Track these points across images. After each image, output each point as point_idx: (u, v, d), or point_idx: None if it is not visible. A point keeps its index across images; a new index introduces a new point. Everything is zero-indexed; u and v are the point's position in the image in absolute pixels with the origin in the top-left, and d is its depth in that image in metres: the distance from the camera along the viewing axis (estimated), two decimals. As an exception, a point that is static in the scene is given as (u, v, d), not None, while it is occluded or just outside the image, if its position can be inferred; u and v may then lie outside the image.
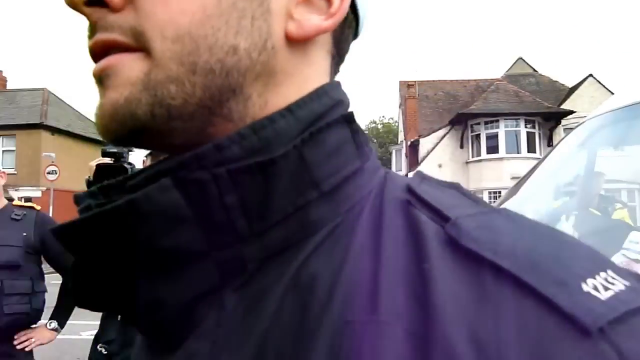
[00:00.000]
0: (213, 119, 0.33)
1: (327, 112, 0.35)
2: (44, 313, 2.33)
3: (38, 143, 19.06)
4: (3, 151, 19.03)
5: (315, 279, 0.30)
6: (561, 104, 18.54)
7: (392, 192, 0.34)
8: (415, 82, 21.86)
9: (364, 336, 0.26)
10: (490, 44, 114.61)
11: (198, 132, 0.33)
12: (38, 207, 2.41)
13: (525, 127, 17.16)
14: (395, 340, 0.25)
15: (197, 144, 0.32)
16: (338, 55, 0.40)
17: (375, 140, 43.19)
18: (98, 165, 2.05)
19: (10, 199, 2.44)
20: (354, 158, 0.35)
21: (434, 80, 22.69)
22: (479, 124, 17.65)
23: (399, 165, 22.97)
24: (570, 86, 20.63)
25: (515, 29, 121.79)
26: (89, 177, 2.13)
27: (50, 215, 6.06)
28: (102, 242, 0.31)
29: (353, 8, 0.38)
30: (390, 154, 24.87)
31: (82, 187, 1.69)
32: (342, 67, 0.42)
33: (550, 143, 16.86)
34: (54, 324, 2.37)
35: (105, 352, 2.19)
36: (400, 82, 24.09)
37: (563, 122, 17.01)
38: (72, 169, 17.10)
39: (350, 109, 0.37)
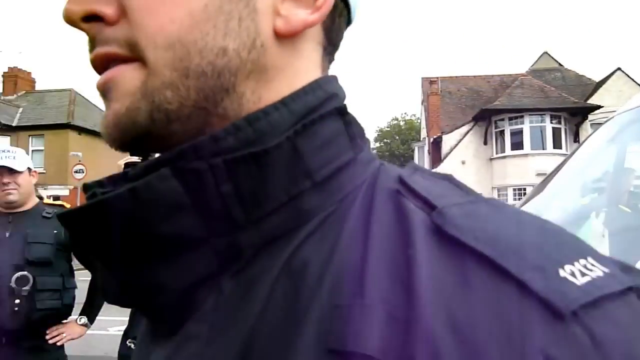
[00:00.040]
0: (210, 118, 0.35)
1: (320, 105, 0.36)
2: (73, 309, 2.39)
3: (65, 143, 19.51)
4: (32, 151, 19.47)
5: (307, 265, 0.31)
6: (588, 98, 18.11)
7: (384, 182, 0.35)
8: (437, 78, 21.67)
9: (349, 319, 0.27)
10: (514, 38, 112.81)
11: (197, 132, 0.35)
12: (68, 205, 2.47)
13: (551, 122, 16.86)
14: (377, 323, 0.26)
15: None
16: (332, 45, 0.41)
17: (397, 137, 42.94)
18: (127, 164, 2.09)
19: (40, 198, 2.50)
20: (346, 149, 0.36)
21: (456, 76, 22.42)
22: (503, 120, 17.39)
23: (422, 162, 22.78)
24: (597, 80, 20.15)
25: (540, 22, 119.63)
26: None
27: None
28: (104, 227, 0.33)
29: None
30: (413, 151, 24.72)
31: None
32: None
33: (576, 139, 16.53)
34: (84, 320, 2.42)
35: (134, 347, 2.23)
36: (422, 78, 23.90)
37: (590, 117, 16.66)
38: (98, 167, 17.37)
39: (345, 102, 0.39)
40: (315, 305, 0.29)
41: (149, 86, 0.33)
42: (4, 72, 23.43)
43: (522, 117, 16.93)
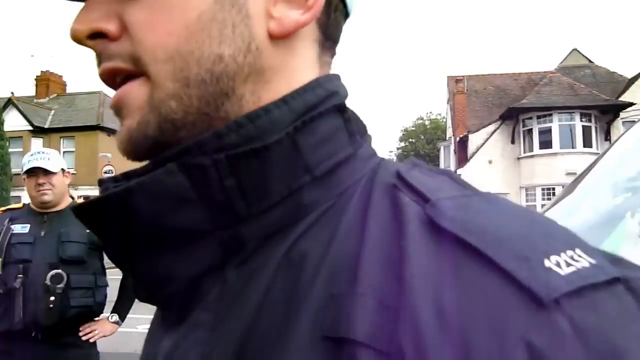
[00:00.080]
0: (213, 122, 0.36)
1: (320, 102, 0.37)
2: (105, 306, 2.44)
3: (95, 144, 19.96)
4: (64, 152, 19.96)
5: (305, 256, 0.33)
6: (619, 95, 17.63)
7: (383, 177, 0.36)
8: (463, 76, 21.41)
9: (343, 307, 0.29)
10: (542, 35, 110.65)
11: None
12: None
13: (581, 120, 16.49)
14: (368, 311, 0.28)
15: None
16: (330, 40, 0.41)
17: (422, 137, 42.56)
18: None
19: (72, 198, 2.57)
20: (346, 145, 0.38)
21: (483, 75, 22.12)
22: (531, 118, 17.08)
23: (447, 162, 22.55)
24: (629, 77, 19.60)
25: (569, 19, 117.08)
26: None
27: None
28: (115, 219, 0.35)
29: None
30: (439, 150, 24.49)
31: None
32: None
33: (607, 137, 16.14)
34: (115, 317, 2.48)
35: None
36: (448, 77, 23.66)
37: (622, 114, 16.24)
38: (127, 168, 17.33)
39: (345, 100, 0.40)
40: (312, 295, 0.30)
41: (155, 99, 0.35)
42: (36, 76, 24.12)
43: (550, 115, 16.60)
